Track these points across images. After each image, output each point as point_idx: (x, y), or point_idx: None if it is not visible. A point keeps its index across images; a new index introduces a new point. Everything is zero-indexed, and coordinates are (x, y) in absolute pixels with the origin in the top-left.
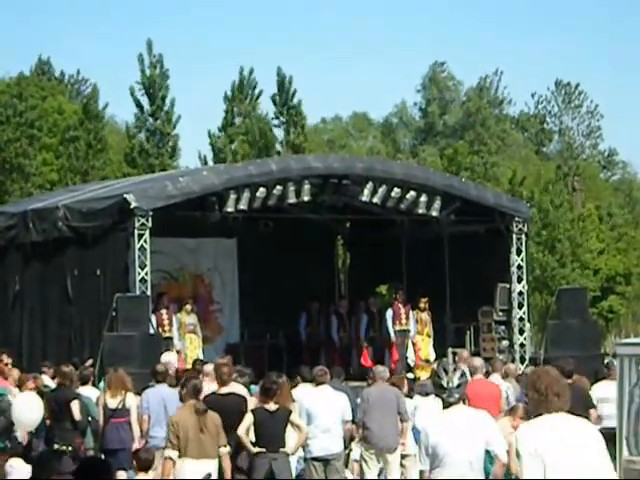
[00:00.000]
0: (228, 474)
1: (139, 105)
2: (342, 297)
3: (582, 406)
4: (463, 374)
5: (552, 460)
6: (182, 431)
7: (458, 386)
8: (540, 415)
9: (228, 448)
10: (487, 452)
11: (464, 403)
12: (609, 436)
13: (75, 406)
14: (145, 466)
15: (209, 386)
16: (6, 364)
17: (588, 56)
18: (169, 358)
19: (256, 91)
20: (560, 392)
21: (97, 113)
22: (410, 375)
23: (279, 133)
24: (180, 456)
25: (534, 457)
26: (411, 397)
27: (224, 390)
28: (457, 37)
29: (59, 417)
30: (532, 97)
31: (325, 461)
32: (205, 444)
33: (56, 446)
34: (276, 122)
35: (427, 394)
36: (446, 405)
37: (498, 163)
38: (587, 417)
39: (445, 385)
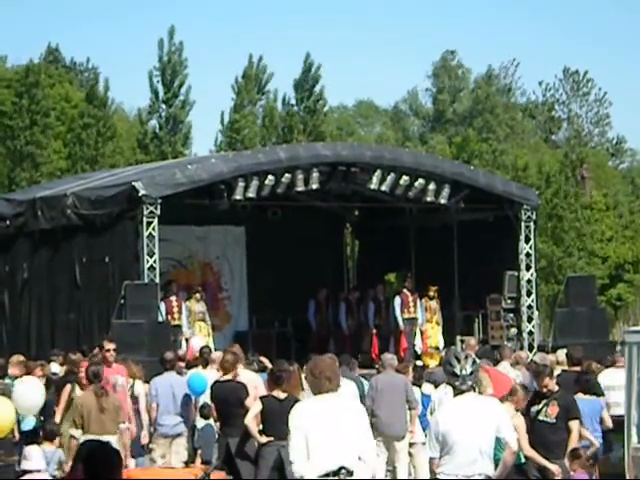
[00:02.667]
0: (127, 447)
1: (155, 92)
2: (351, 285)
3: (590, 393)
4: (475, 361)
5: (314, 433)
6: (85, 411)
7: (470, 373)
8: (316, 395)
9: (127, 425)
10: (496, 439)
11: (475, 391)
12: (617, 424)
13: (65, 391)
14: (51, 437)
15: (216, 374)
16: (107, 350)
17: (596, 44)
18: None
19: (270, 78)
20: (331, 376)
21: (102, 100)
22: (419, 362)
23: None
24: (84, 433)
25: (298, 430)
26: (419, 385)
27: (226, 377)
28: (466, 25)
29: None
30: (540, 85)
31: None
32: (105, 422)
33: None
34: (296, 109)
35: (436, 382)
36: (457, 392)
37: (507, 151)
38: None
39: (458, 373)
